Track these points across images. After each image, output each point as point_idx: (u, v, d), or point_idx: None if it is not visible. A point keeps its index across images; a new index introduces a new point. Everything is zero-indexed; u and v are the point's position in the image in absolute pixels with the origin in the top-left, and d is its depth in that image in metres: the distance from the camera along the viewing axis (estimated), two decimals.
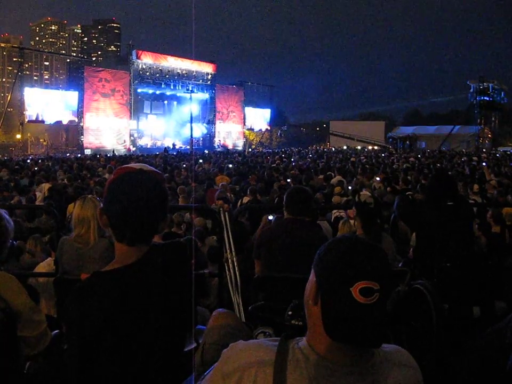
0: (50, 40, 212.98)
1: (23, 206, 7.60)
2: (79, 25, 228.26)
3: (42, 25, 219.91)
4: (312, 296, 1.17)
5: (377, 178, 11.10)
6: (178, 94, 45.56)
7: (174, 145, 42.92)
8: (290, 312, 1.66)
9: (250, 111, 56.68)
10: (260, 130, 59.03)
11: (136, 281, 1.47)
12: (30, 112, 39.54)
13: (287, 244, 3.37)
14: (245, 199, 7.63)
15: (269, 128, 60.43)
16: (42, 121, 40.63)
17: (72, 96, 41.39)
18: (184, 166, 17.45)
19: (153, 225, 1.54)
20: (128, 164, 1.59)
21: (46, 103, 40.16)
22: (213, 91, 49.07)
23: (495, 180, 11.35)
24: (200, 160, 20.97)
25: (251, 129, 57.22)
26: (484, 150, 44.84)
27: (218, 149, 43.95)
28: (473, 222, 4.27)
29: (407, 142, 51.20)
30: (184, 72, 45.66)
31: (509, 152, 37.15)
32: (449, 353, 2.75)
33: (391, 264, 1.23)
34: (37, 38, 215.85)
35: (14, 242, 5.14)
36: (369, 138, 58.25)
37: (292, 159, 23.96)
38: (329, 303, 1.13)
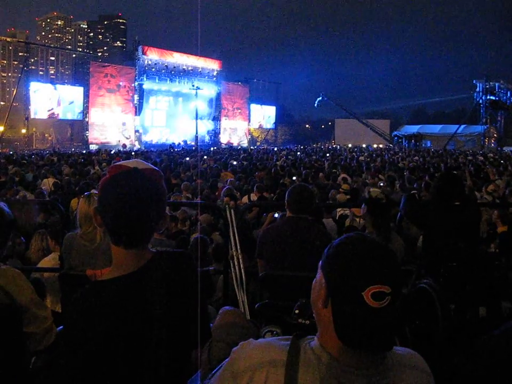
0: (56, 35, 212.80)
1: (28, 201, 7.60)
2: (85, 21, 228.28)
3: (48, 20, 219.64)
4: (321, 299, 1.15)
5: (381, 184, 10.95)
6: (183, 90, 45.50)
7: (185, 142, 42.75)
8: (297, 311, 1.65)
9: (255, 108, 56.62)
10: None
11: (138, 292, 1.42)
12: (35, 107, 39.60)
13: (289, 242, 3.35)
14: (253, 197, 7.59)
15: (274, 125, 60.41)
16: (48, 116, 40.70)
17: (77, 92, 41.46)
18: (187, 160, 17.44)
19: (149, 226, 1.48)
20: (122, 162, 1.49)
21: (51, 98, 40.22)
22: (219, 88, 49.02)
23: (500, 180, 11.30)
24: (205, 157, 20.94)
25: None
26: (490, 149, 44.60)
27: (222, 146, 43.97)
28: (480, 222, 4.25)
29: (412, 140, 50.97)
30: (190, 68, 45.67)
31: None
32: (455, 353, 2.73)
33: (400, 265, 1.20)
34: (43, 33, 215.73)
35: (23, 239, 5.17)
36: (380, 130, 57.99)
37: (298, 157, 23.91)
38: (341, 308, 1.11)
